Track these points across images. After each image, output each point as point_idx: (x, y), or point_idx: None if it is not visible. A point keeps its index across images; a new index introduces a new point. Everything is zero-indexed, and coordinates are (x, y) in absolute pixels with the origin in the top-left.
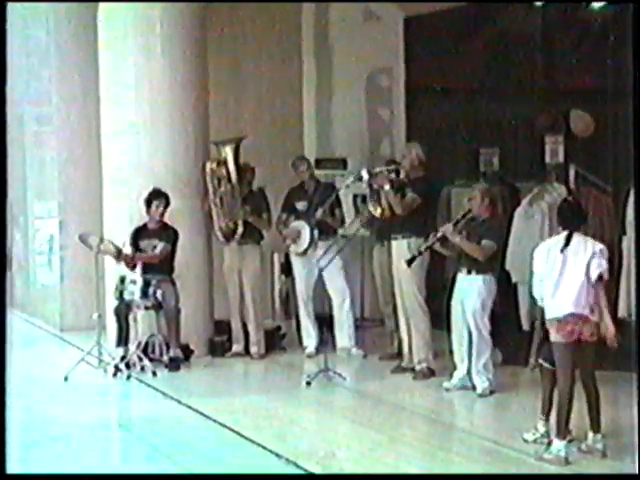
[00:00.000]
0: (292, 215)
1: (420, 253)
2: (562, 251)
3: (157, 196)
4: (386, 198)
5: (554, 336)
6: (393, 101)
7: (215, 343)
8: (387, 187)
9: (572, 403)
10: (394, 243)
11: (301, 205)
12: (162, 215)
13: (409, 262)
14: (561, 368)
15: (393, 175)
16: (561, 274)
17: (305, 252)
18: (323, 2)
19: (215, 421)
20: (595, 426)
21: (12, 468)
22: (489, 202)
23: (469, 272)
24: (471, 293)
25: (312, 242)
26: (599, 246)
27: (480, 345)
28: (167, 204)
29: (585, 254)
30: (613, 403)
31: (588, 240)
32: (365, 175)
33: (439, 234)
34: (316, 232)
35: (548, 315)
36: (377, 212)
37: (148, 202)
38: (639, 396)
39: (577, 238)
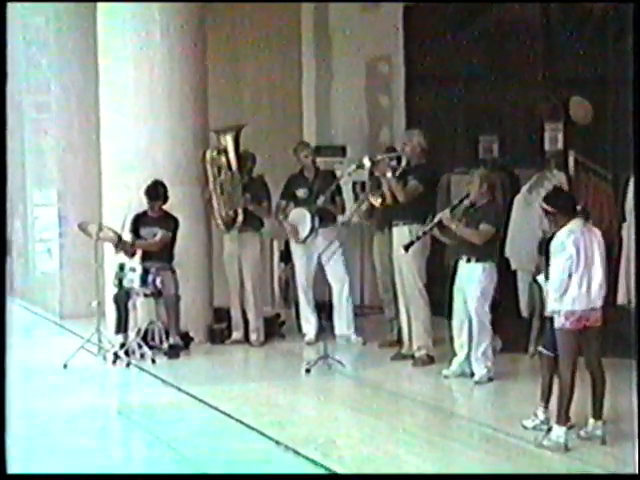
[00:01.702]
0: (292, 202)
1: (418, 238)
2: (584, 234)
3: (154, 196)
4: (387, 186)
5: (561, 323)
6: (393, 89)
7: (214, 330)
8: (389, 175)
9: (574, 390)
10: (395, 230)
11: (301, 192)
12: (161, 207)
13: (406, 247)
14: (564, 355)
15: (395, 162)
16: (586, 262)
17: (305, 240)
18: (323, 1)
19: (214, 408)
20: (597, 413)
21: (12, 455)
22: (487, 188)
23: (469, 260)
24: (472, 281)
25: (313, 230)
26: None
27: (480, 333)
28: (166, 198)
29: (599, 243)
30: (612, 390)
31: (593, 228)
32: (367, 163)
33: (436, 219)
34: (317, 220)
35: (573, 306)
36: (377, 202)
37: (146, 196)
38: (638, 383)
39: (586, 226)
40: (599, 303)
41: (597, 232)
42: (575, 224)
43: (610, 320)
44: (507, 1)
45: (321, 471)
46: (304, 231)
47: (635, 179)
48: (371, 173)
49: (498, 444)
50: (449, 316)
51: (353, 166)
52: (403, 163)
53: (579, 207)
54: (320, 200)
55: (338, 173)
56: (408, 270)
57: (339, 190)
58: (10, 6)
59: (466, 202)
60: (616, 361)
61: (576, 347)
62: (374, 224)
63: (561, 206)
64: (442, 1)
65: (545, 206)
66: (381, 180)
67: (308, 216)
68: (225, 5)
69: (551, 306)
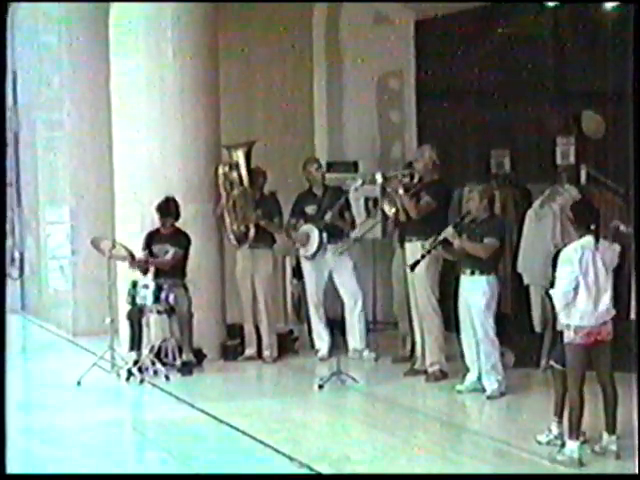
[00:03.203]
0: (301, 219)
1: (423, 257)
2: (593, 252)
3: (166, 212)
4: (401, 201)
5: (571, 337)
6: (404, 104)
7: (228, 347)
8: (401, 191)
9: (583, 404)
10: (408, 245)
11: (310, 209)
12: (173, 224)
13: (412, 267)
14: (571, 370)
15: (408, 179)
16: (596, 280)
17: (314, 256)
18: (334, 2)
19: (228, 425)
20: (611, 427)
21: (27, 471)
22: (487, 202)
23: (472, 273)
24: (475, 294)
25: (321, 246)
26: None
27: (486, 346)
28: (177, 215)
29: (611, 255)
30: (628, 404)
31: (607, 241)
32: (379, 179)
33: (440, 237)
34: (325, 235)
35: (581, 322)
36: (391, 212)
37: (158, 213)
38: (639, 397)
39: (601, 239)
40: (608, 317)
41: (614, 248)
42: (586, 241)
43: (623, 334)
44: (520, 0)
45: None
46: (312, 247)
47: (635, 193)
48: (383, 189)
49: (512, 459)
50: (457, 331)
51: (360, 181)
52: (416, 179)
53: (592, 226)
54: (328, 216)
55: (347, 187)
56: (421, 286)
57: (348, 205)
58: (22, 23)
59: (468, 218)
60: (630, 375)
61: (584, 361)
62: (397, 238)
63: (577, 217)
64: (458, 1)
65: (568, 212)
66: (394, 196)
67: (316, 232)
68: (237, 21)
69: (561, 320)
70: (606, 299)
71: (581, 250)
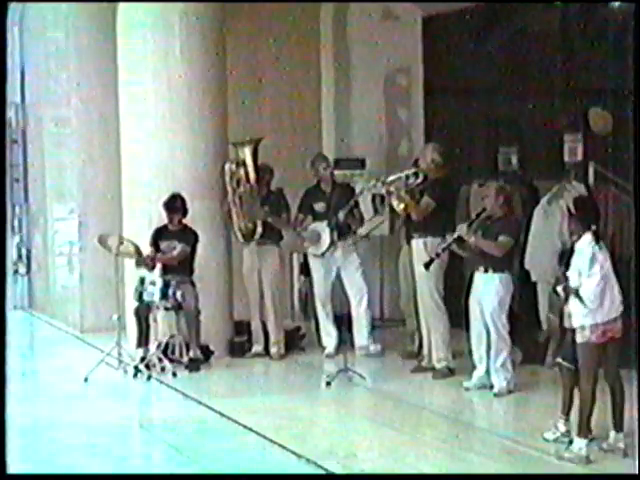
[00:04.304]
0: (309, 216)
1: (438, 255)
2: (598, 249)
3: (172, 209)
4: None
5: (586, 337)
6: (411, 101)
7: (235, 344)
8: (402, 193)
9: (595, 402)
10: (413, 242)
11: (319, 206)
12: (180, 220)
13: (426, 265)
14: (585, 368)
15: (413, 179)
16: (607, 276)
17: (324, 254)
18: (341, 2)
19: (235, 421)
20: (618, 425)
21: (32, 468)
22: (504, 200)
23: (486, 271)
24: (489, 292)
25: (332, 244)
26: None
27: (498, 344)
28: (185, 211)
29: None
30: (635, 401)
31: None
32: (380, 184)
33: (455, 235)
34: (335, 234)
35: (594, 319)
36: (400, 207)
37: (165, 209)
38: (639, 394)
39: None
40: (619, 311)
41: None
42: (589, 236)
43: (625, 332)
44: (525, 1)
45: None
46: (323, 245)
47: (635, 191)
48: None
49: (519, 456)
50: (467, 328)
51: (373, 181)
52: (419, 179)
53: (593, 227)
54: (340, 215)
55: (358, 187)
56: (425, 283)
57: (356, 203)
58: (30, 19)
59: (483, 215)
60: (631, 372)
61: (598, 360)
62: (403, 234)
63: (579, 212)
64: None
65: (570, 206)
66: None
67: (327, 230)
68: (245, 18)
69: (580, 321)
70: (618, 293)
71: (594, 244)
